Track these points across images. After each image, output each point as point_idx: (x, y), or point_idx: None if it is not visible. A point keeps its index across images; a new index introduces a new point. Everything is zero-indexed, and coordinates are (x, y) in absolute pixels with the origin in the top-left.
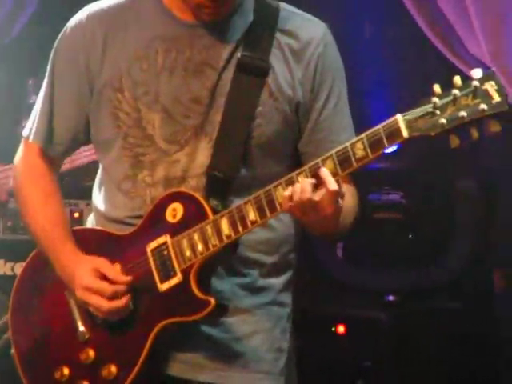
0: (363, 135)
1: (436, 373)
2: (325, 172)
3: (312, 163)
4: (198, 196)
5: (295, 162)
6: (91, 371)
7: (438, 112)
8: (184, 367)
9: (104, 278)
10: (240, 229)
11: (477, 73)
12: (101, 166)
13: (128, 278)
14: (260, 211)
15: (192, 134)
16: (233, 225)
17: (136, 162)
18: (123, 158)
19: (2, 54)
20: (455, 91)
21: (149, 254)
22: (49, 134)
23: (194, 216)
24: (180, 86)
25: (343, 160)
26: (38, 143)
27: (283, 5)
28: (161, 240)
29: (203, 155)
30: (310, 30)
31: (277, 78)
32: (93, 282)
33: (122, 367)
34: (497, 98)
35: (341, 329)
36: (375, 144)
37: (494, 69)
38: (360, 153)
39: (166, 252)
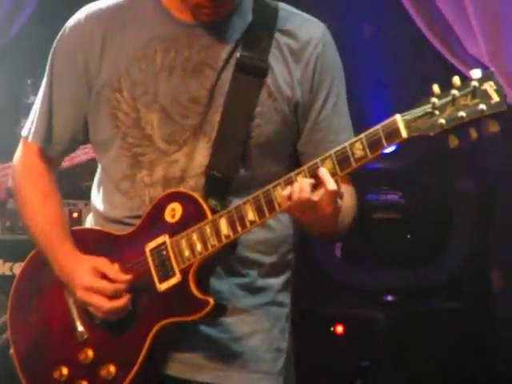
0: (362, 135)
1: (434, 373)
2: (324, 172)
3: (311, 163)
4: (197, 196)
5: (294, 162)
6: (90, 371)
7: (436, 112)
8: (183, 367)
9: (104, 277)
10: (239, 229)
11: (476, 73)
12: (99, 166)
13: (128, 277)
14: (259, 211)
15: (191, 134)
16: (232, 225)
17: (135, 162)
18: (122, 157)
19: (1, 54)
20: (454, 91)
21: (148, 254)
22: (48, 133)
23: (193, 216)
24: (179, 86)
25: (342, 160)
26: (37, 143)
27: (282, 5)
28: (160, 240)
29: (202, 155)
30: (309, 30)
31: (276, 78)
32: (93, 281)
33: (120, 367)
34: (496, 98)
35: (339, 329)
36: (374, 144)
37: (492, 69)
38: (359, 153)
39: (164, 252)
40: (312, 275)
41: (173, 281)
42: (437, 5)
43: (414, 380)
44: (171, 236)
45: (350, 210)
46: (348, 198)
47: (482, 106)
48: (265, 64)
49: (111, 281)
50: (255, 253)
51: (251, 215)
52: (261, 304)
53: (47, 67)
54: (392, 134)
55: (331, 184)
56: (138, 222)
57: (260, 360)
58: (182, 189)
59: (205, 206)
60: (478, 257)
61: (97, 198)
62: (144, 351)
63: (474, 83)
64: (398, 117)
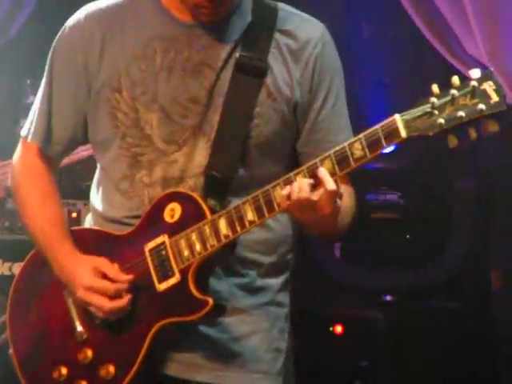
0: (361, 135)
1: (433, 373)
2: (323, 172)
3: (310, 163)
4: (196, 196)
5: (293, 162)
6: (89, 371)
7: (436, 112)
8: (182, 367)
9: (104, 277)
10: (238, 229)
11: (475, 73)
12: (99, 166)
13: (129, 277)
14: (258, 211)
15: (190, 134)
16: (231, 225)
17: (134, 162)
18: (121, 157)
19: (0, 54)
20: (453, 91)
21: (147, 254)
22: (47, 133)
23: (192, 216)
24: (178, 86)
25: (341, 160)
26: (37, 143)
27: (282, 5)
28: (159, 240)
29: (201, 155)
30: (309, 30)
31: (275, 78)
32: (94, 280)
33: (120, 367)
34: (495, 98)
35: (338, 329)
36: (373, 144)
37: (491, 69)
38: (358, 153)
39: (164, 252)
40: (311, 275)
41: (172, 281)
42: (436, 4)
43: (413, 380)
44: (170, 236)
45: (349, 210)
46: (347, 198)
47: (482, 106)
48: (264, 64)
49: (112, 281)
50: (254, 253)
51: (250, 215)
52: (260, 304)
53: (46, 67)
54: (391, 133)
55: (330, 184)
56: (137, 221)
57: (259, 360)
58: (181, 189)
59: (204, 206)
60: (477, 257)
61: (96, 198)
62: (143, 351)
63: (474, 83)
64: (397, 117)
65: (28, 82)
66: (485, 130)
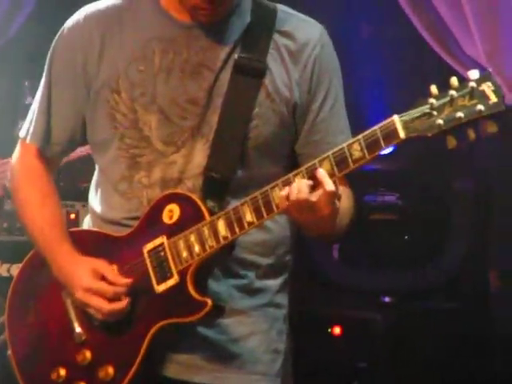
0: (360, 136)
1: (432, 373)
2: (322, 173)
3: (309, 164)
4: (195, 197)
5: (292, 162)
6: (88, 372)
7: (434, 113)
8: (180, 368)
9: (103, 278)
10: (237, 230)
11: (474, 74)
12: (97, 167)
13: (128, 280)
14: (257, 212)
15: (189, 136)
16: (229, 226)
17: (133, 163)
18: (120, 158)
19: None
20: (452, 92)
21: (145, 255)
22: (46, 134)
23: (191, 217)
24: (177, 87)
25: (340, 161)
26: (36, 144)
27: (281, 6)
28: (157, 241)
29: (200, 156)
30: (307, 31)
31: (274, 79)
32: (92, 282)
33: (118, 368)
34: (494, 99)
35: (337, 330)
36: (372, 145)
37: (490, 69)
38: (357, 154)
39: (162, 253)
40: (309, 276)
41: (170, 282)
42: (434, 5)
43: (412, 381)
44: (169, 237)
45: (348, 211)
46: (345, 200)
47: (480, 107)
48: (263, 65)
49: (110, 283)
50: (253, 254)
51: (249, 216)
52: (258, 305)
53: (45, 68)
54: (390, 134)
55: (329, 185)
56: (135, 223)
57: (258, 361)
58: (179, 190)
59: (203, 208)
60: (475, 257)
61: (94, 200)
62: (142, 352)
63: (472, 84)
64: (395, 117)
65: (26, 83)
66: (483, 131)
